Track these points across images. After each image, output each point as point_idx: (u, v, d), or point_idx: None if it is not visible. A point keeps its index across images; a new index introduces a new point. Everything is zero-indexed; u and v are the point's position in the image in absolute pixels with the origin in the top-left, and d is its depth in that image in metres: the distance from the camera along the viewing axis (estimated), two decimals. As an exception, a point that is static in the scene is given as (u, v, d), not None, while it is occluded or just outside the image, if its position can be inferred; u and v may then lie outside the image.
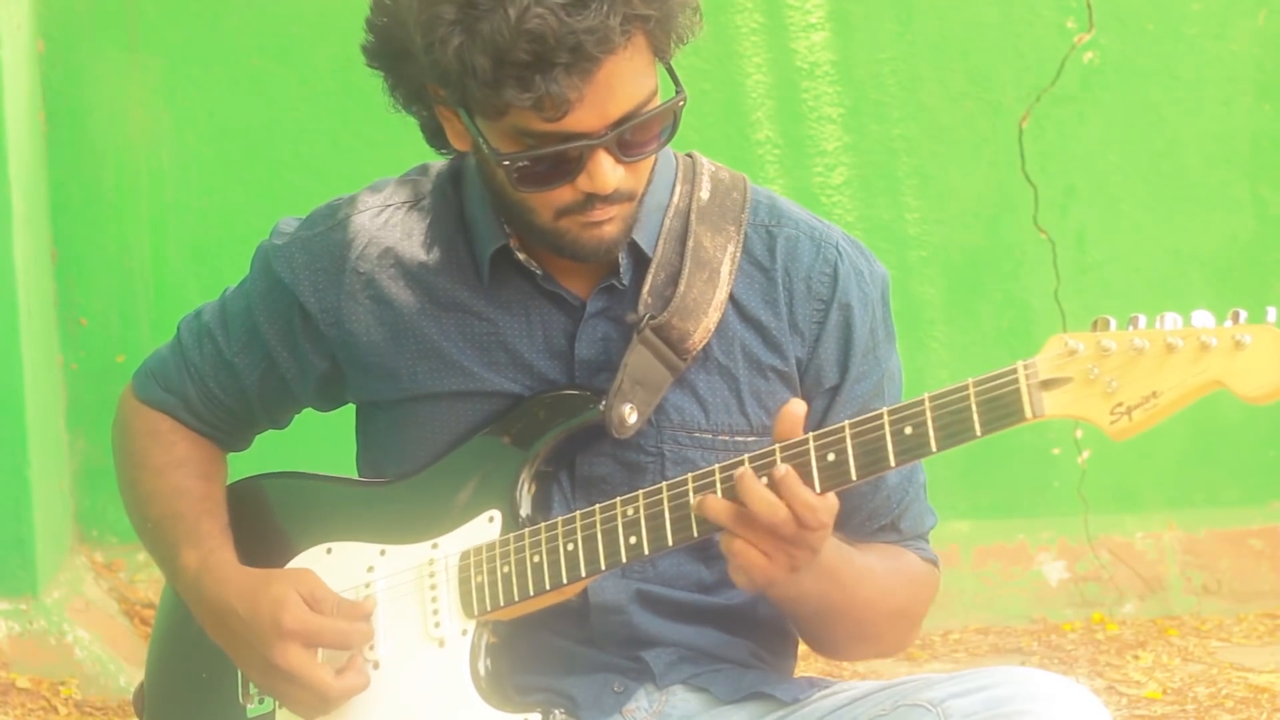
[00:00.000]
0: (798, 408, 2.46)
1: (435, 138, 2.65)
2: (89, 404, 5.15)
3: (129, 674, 4.77)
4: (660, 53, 2.51)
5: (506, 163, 2.50)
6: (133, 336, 5.18)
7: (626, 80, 2.46)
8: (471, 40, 2.41)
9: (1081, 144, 5.46)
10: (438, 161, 2.78)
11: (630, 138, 2.50)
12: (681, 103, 2.53)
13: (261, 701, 2.71)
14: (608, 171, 2.49)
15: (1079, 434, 5.50)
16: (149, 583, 5.08)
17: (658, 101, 2.52)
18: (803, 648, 2.83)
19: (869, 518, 2.70)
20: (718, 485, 2.46)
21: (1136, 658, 5.08)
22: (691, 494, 2.47)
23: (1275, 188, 5.53)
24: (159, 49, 5.16)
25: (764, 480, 2.42)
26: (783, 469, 2.42)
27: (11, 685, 4.64)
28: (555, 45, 2.39)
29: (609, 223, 2.55)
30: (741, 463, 2.45)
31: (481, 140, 2.52)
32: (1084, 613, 5.44)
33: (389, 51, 2.56)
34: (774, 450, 2.44)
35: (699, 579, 2.68)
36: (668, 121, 2.53)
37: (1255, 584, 5.51)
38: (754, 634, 2.73)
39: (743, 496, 2.42)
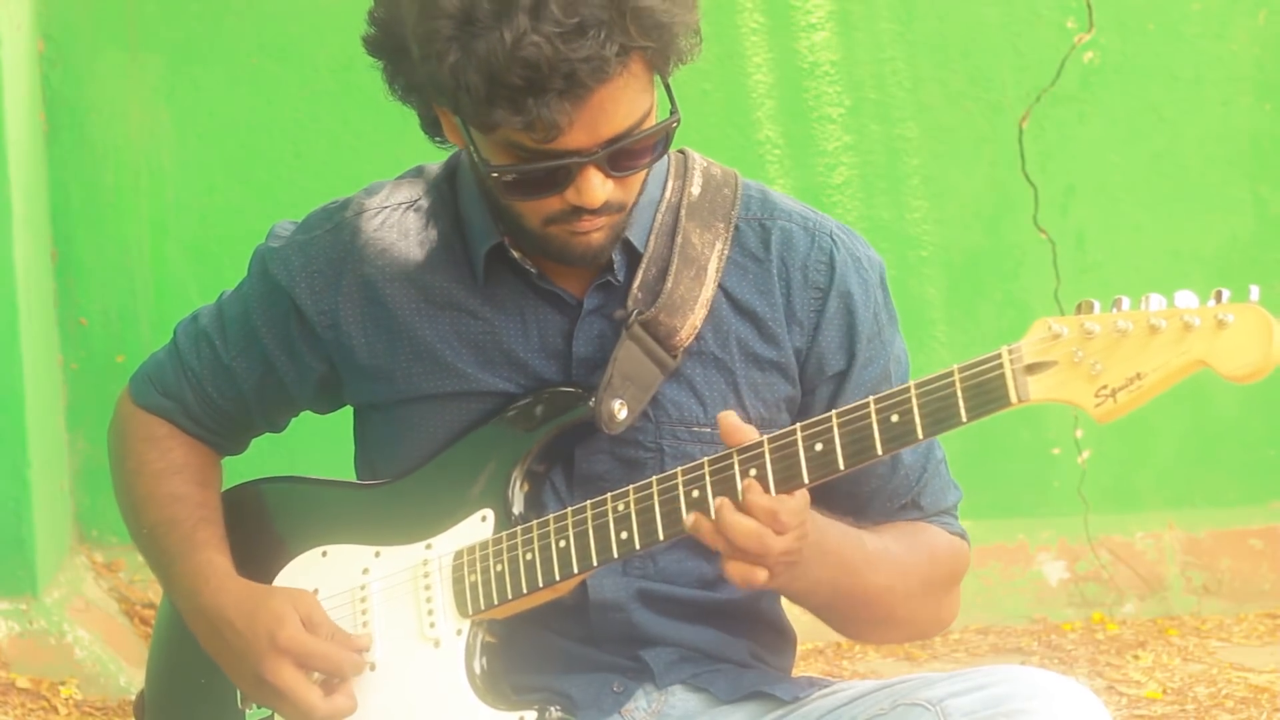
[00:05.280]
0: (730, 416, 2.46)
1: (432, 127, 2.64)
2: (89, 404, 5.14)
3: (129, 674, 4.77)
4: (660, 71, 2.51)
5: (495, 174, 2.50)
6: (133, 336, 5.17)
7: (621, 103, 2.46)
8: (467, 58, 2.41)
9: (1081, 144, 5.45)
10: (434, 164, 2.78)
11: (622, 154, 2.49)
12: (675, 124, 2.53)
13: (260, 706, 2.71)
14: (596, 187, 2.49)
15: (1079, 433, 5.49)
16: (149, 583, 5.07)
17: (655, 117, 2.52)
18: (802, 648, 2.83)
19: (889, 497, 2.70)
20: (707, 480, 2.45)
21: (1136, 658, 5.07)
22: (681, 487, 2.47)
23: (1275, 188, 5.52)
24: (159, 49, 5.15)
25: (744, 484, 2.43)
26: (745, 483, 2.42)
27: (11, 685, 4.63)
28: (549, 73, 2.38)
29: (597, 231, 2.56)
30: (730, 455, 2.45)
31: (473, 148, 2.52)
32: (1084, 613, 5.43)
33: (389, 46, 2.56)
34: (761, 444, 2.43)
35: (700, 575, 2.69)
36: (660, 138, 2.53)
37: (1255, 584, 5.50)
38: (753, 633, 2.74)
39: (727, 534, 2.42)
